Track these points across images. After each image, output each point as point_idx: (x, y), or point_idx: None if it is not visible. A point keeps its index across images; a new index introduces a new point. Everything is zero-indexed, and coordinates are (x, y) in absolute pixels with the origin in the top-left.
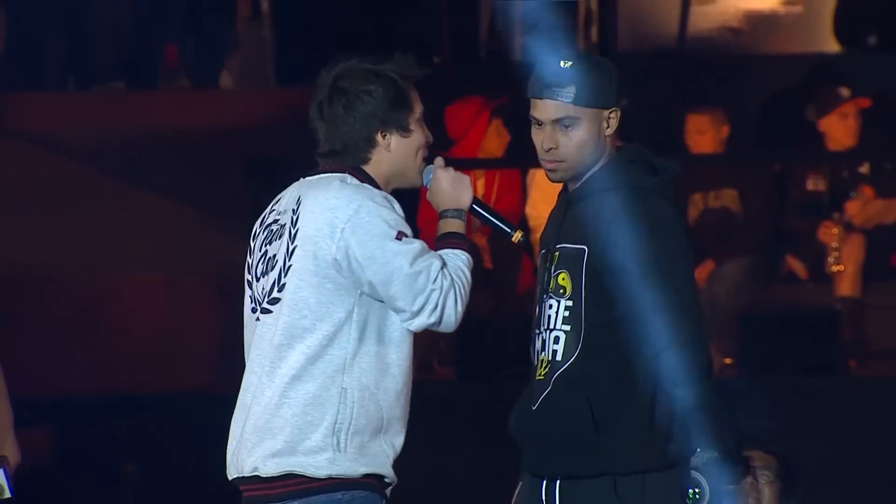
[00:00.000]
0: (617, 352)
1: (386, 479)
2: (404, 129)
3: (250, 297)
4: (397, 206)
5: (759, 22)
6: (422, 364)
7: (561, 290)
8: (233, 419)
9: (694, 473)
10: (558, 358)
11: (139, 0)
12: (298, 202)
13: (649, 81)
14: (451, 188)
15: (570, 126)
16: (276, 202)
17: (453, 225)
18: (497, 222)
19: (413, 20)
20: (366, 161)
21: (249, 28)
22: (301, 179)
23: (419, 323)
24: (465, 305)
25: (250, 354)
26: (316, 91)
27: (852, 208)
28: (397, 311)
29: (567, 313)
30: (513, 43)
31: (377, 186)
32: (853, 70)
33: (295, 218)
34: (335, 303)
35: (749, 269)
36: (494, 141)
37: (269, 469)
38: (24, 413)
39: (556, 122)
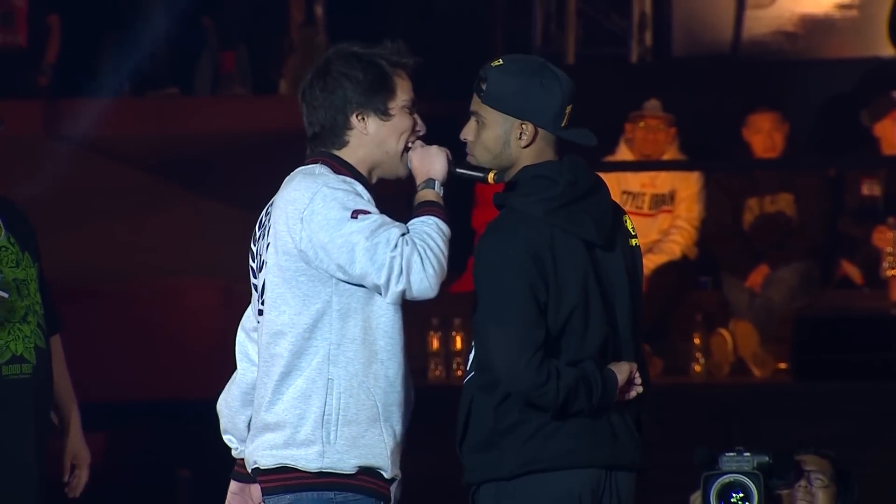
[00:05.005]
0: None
1: (384, 475)
2: (383, 114)
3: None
4: (359, 186)
5: (813, 26)
6: None
7: None
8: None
9: (739, 477)
10: (467, 367)
11: (195, 6)
12: (274, 199)
13: (704, 86)
14: (420, 163)
15: (481, 123)
16: (272, 201)
17: (423, 195)
18: (474, 174)
19: (466, 26)
20: (344, 144)
21: (304, 34)
22: None
23: (392, 293)
24: (440, 268)
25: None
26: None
27: None
28: (373, 289)
29: None
30: (566, 48)
31: (356, 173)
32: None
33: (269, 216)
34: (311, 295)
35: (804, 274)
36: None
37: (267, 461)
38: (81, 418)
39: (474, 114)
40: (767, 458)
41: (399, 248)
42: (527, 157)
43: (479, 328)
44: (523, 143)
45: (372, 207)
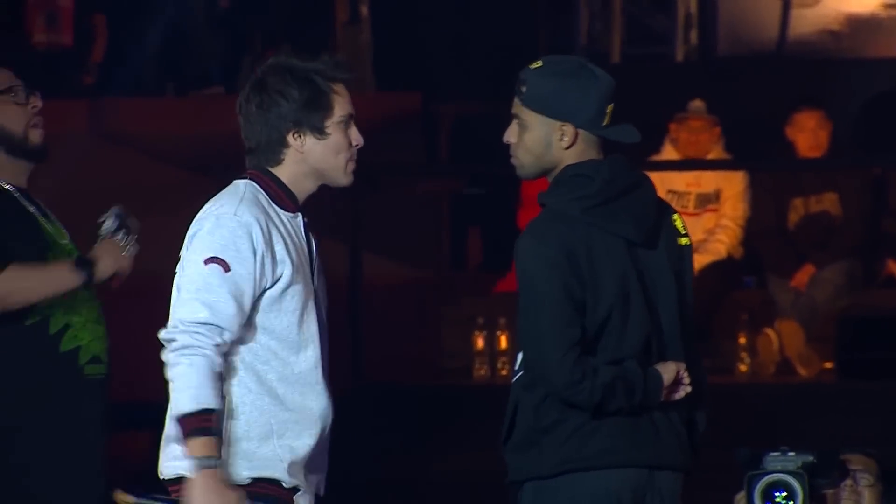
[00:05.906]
0: None
1: (283, 484)
2: (319, 132)
3: None
4: (255, 231)
5: (859, 25)
6: None
7: None
8: None
9: (783, 476)
10: (516, 367)
11: (239, 5)
12: None
13: (749, 85)
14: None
15: (522, 126)
16: None
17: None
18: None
19: (510, 25)
20: (279, 162)
21: (348, 32)
22: None
23: (164, 353)
24: (177, 374)
25: None
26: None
27: None
28: None
29: None
30: (611, 47)
31: (286, 190)
32: None
33: None
34: None
35: (848, 273)
36: None
37: (168, 472)
38: (127, 417)
39: (515, 117)
40: (812, 458)
41: (188, 333)
42: (569, 158)
43: (518, 327)
44: (565, 144)
45: (241, 267)
